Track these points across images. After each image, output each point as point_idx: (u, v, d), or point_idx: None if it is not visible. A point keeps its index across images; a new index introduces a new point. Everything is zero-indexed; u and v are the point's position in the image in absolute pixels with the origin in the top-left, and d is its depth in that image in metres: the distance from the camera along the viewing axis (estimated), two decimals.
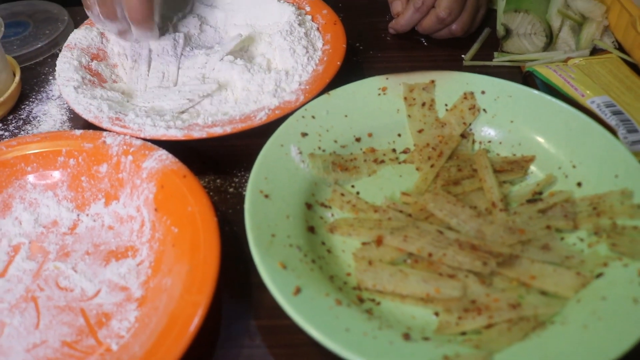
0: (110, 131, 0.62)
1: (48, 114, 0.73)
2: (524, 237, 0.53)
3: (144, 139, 0.60)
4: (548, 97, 0.63)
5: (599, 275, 0.50)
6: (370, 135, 0.63)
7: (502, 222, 0.55)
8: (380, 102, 0.65)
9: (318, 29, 0.76)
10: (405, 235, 0.53)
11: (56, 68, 0.70)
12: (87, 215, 0.60)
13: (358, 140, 0.63)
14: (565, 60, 0.75)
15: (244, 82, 0.68)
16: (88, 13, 0.72)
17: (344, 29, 0.75)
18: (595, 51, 0.78)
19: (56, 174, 0.61)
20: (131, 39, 0.75)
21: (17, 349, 0.49)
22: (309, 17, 0.78)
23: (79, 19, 0.87)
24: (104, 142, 0.60)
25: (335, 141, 0.62)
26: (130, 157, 0.59)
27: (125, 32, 0.73)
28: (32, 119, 0.72)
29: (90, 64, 0.72)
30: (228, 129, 0.61)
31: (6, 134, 0.71)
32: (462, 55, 0.79)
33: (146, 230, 0.57)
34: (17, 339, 0.50)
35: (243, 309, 0.53)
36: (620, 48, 0.79)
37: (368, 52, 0.80)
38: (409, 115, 0.64)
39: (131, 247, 0.57)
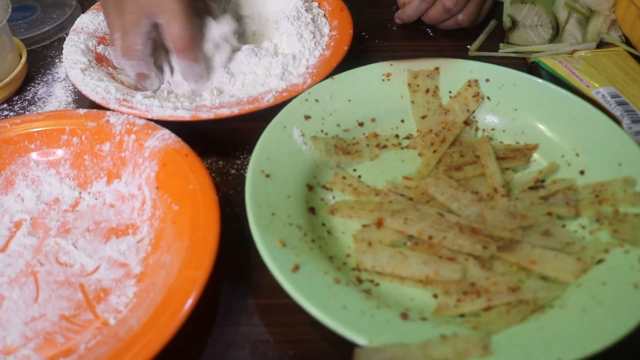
0: (117, 111, 0.62)
1: (53, 96, 0.73)
2: (525, 223, 0.53)
3: (151, 120, 0.61)
4: (552, 86, 0.63)
5: (599, 261, 0.49)
6: (373, 120, 0.63)
7: (504, 207, 0.54)
8: (384, 88, 0.65)
9: (325, 15, 0.76)
10: (406, 218, 0.53)
11: (63, 51, 0.70)
12: (89, 193, 0.60)
13: (361, 124, 0.63)
14: (571, 53, 0.75)
15: (251, 66, 0.68)
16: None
17: (350, 16, 0.75)
18: (601, 44, 0.78)
19: (59, 152, 0.61)
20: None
21: (15, 321, 0.50)
22: (316, 3, 0.78)
23: (86, 4, 0.88)
24: (108, 121, 0.61)
25: (338, 125, 0.62)
26: (133, 136, 0.59)
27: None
28: (37, 100, 0.73)
29: (97, 47, 0.72)
30: (236, 110, 0.61)
31: (11, 114, 0.71)
32: (468, 46, 0.79)
33: (147, 208, 0.57)
34: (15, 312, 0.50)
35: (242, 288, 0.52)
36: (627, 42, 0.78)
37: (374, 41, 0.80)
38: (413, 102, 0.64)
39: (132, 224, 0.57)
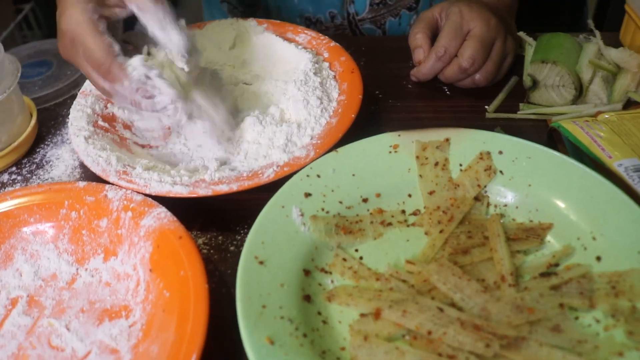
0: (116, 185, 0.61)
1: (61, 159, 0.73)
2: (532, 317, 0.50)
3: (149, 195, 0.60)
4: (570, 160, 0.60)
5: None
6: (378, 195, 0.61)
7: (510, 299, 0.51)
8: (390, 161, 0.62)
9: (335, 77, 0.74)
10: (405, 310, 0.50)
11: (69, 117, 0.70)
12: (86, 269, 0.59)
13: (365, 200, 0.61)
14: (595, 115, 0.71)
15: (255, 135, 0.66)
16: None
17: (361, 78, 0.72)
18: (629, 104, 0.74)
19: (58, 227, 0.61)
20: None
21: None
22: (327, 64, 0.76)
23: None
24: (106, 196, 0.60)
25: (341, 202, 0.60)
26: (129, 214, 0.58)
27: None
28: (44, 164, 0.73)
29: (104, 110, 0.72)
30: (234, 187, 0.60)
31: (19, 177, 0.71)
32: (486, 106, 0.76)
33: (141, 291, 0.56)
34: None
35: None
36: None
37: (387, 100, 0.78)
38: (421, 175, 0.62)
39: (125, 306, 0.56)
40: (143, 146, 0.71)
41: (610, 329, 0.49)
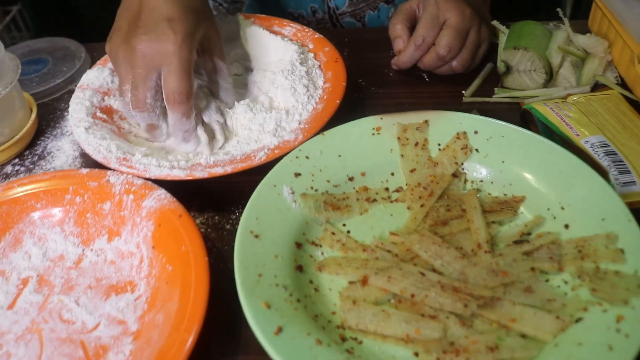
0: (117, 171, 0.65)
1: (62, 150, 0.76)
2: (506, 280, 0.54)
3: (149, 179, 0.63)
4: (540, 138, 0.64)
5: (578, 320, 0.50)
6: (363, 174, 0.65)
7: (486, 265, 0.56)
8: (374, 142, 0.67)
9: (320, 66, 0.78)
10: (389, 276, 0.55)
11: (69, 109, 0.74)
12: (92, 250, 0.63)
13: (351, 179, 0.65)
14: (565, 97, 0.76)
15: (246, 121, 0.70)
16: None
17: (344, 67, 0.77)
18: (597, 87, 0.79)
19: (63, 211, 0.65)
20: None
21: None
22: (312, 54, 0.80)
23: (95, 55, 0.92)
24: (108, 181, 0.64)
25: (328, 181, 0.64)
26: (131, 196, 0.62)
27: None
28: (46, 155, 0.76)
29: (101, 103, 0.76)
30: (229, 169, 0.64)
31: (22, 169, 0.75)
32: (463, 91, 0.81)
33: (144, 267, 0.60)
34: None
35: (232, 345, 0.55)
36: (623, 83, 0.79)
37: (370, 88, 0.83)
38: (402, 155, 0.66)
39: (130, 282, 0.60)
40: (138, 136, 0.75)
41: (577, 289, 0.54)
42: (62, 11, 1.65)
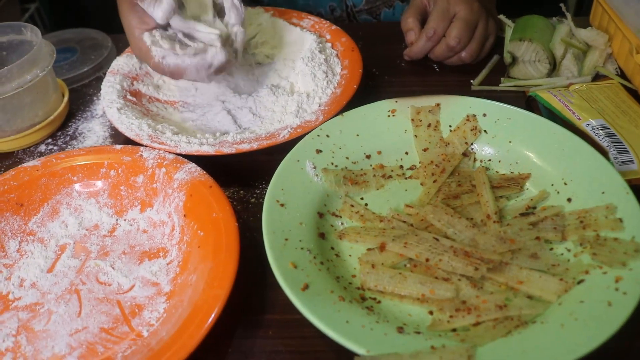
0: (149, 147, 0.69)
1: (92, 131, 0.81)
2: (514, 246, 0.58)
3: (179, 154, 0.68)
4: (544, 120, 0.69)
5: (580, 282, 0.55)
6: (379, 153, 0.70)
7: (495, 233, 0.60)
8: (389, 123, 0.71)
9: (337, 55, 0.83)
10: (406, 242, 0.59)
11: (101, 92, 0.78)
12: (125, 220, 0.67)
13: (368, 157, 0.69)
14: (567, 86, 0.81)
15: (269, 104, 0.75)
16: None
17: (360, 56, 0.82)
18: (597, 77, 0.84)
19: (98, 184, 0.69)
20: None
21: (61, 333, 0.57)
22: (329, 44, 0.85)
23: (120, 45, 0.96)
24: (141, 155, 0.68)
25: (347, 158, 0.68)
26: (163, 170, 0.66)
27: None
28: (77, 135, 0.81)
29: (131, 87, 0.80)
30: (255, 146, 0.68)
31: (55, 148, 0.79)
32: (471, 80, 0.85)
33: (176, 234, 0.64)
34: (62, 325, 0.58)
35: (259, 305, 0.59)
36: (622, 74, 0.84)
37: (383, 77, 0.87)
38: (416, 135, 0.71)
39: (162, 248, 0.64)
40: (166, 118, 0.79)
41: (578, 255, 0.58)
42: (78, 9, 1.69)
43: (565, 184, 0.64)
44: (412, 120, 0.72)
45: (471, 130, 0.70)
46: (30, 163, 0.70)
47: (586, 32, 0.85)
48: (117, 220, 0.68)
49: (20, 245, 0.66)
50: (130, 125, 0.72)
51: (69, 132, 0.82)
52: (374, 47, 0.92)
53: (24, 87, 0.75)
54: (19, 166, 0.69)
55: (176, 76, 0.72)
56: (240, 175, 0.72)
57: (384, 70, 0.88)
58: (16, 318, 0.59)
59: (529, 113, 0.70)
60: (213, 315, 0.52)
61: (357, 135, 0.70)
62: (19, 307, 0.60)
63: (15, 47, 0.82)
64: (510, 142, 0.69)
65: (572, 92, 0.78)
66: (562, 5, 0.88)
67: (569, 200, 0.63)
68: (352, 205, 0.65)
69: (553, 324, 0.51)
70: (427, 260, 0.58)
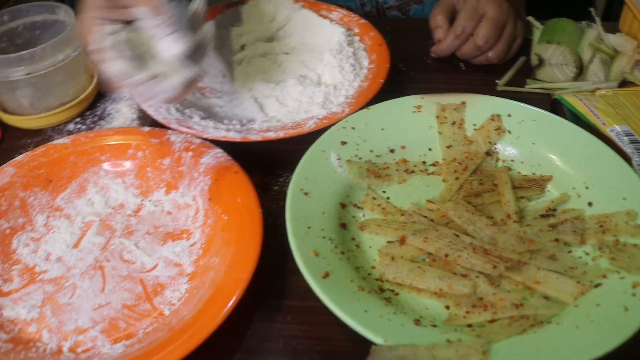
0: (177, 130, 0.70)
1: (120, 112, 0.82)
2: (533, 247, 0.59)
3: (206, 139, 0.69)
4: (568, 123, 0.69)
5: (597, 285, 0.55)
6: (403, 147, 0.71)
7: (514, 232, 0.61)
8: (414, 119, 0.72)
9: (365, 49, 0.84)
10: (426, 237, 0.60)
11: None
12: (150, 201, 0.69)
13: (392, 151, 0.70)
14: (593, 91, 0.81)
15: (296, 94, 0.76)
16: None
17: (388, 51, 0.82)
18: (624, 83, 0.83)
19: (126, 164, 0.71)
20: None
21: (85, 307, 0.58)
22: (357, 38, 0.86)
23: None
24: (169, 139, 0.69)
25: (371, 151, 0.69)
26: (190, 153, 0.68)
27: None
28: (105, 116, 0.82)
29: None
30: (281, 134, 0.69)
31: (83, 127, 0.81)
32: (497, 81, 0.85)
33: (200, 217, 0.65)
34: (85, 300, 0.59)
35: (278, 291, 0.60)
36: None
37: (409, 73, 0.88)
38: (440, 132, 0.71)
39: (186, 230, 0.65)
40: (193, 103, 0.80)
41: (597, 259, 0.58)
42: None
43: (586, 187, 0.65)
44: (437, 117, 0.72)
45: (495, 129, 0.71)
46: (60, 140, 0.71)
47: (615, 38, 0.85)
48: (142, 200, 0.69)
49: (47, 220, 0.67)
50: (159, 108, 0.73)
51: (97, 113, 0.83)
52: (401, 42, 0.92)
53: (56, 66, 0.77)
54: (49, 143, 0.71)
55: (108, 87, 0.63)
56: (265, 163, 0.73)
57: (410, 66, 0.89)
58: (42, 290, 0.60)
59: (554, 116, 0.70)
60: (234, 298, 0.53)
61: (382, 129, 0.71)
62: (45, 279, 0.61)
63: (48, 26, 0.84)
64: (533, 143, 0.69)
65: (597, 97, 0.78)
66: (591, 9, 0.88)
67: (590, 204, 0.63)
68: (374, 198, 0.66)
69: (568, 325, 0.52)
70: (446, 255, 0.58)
